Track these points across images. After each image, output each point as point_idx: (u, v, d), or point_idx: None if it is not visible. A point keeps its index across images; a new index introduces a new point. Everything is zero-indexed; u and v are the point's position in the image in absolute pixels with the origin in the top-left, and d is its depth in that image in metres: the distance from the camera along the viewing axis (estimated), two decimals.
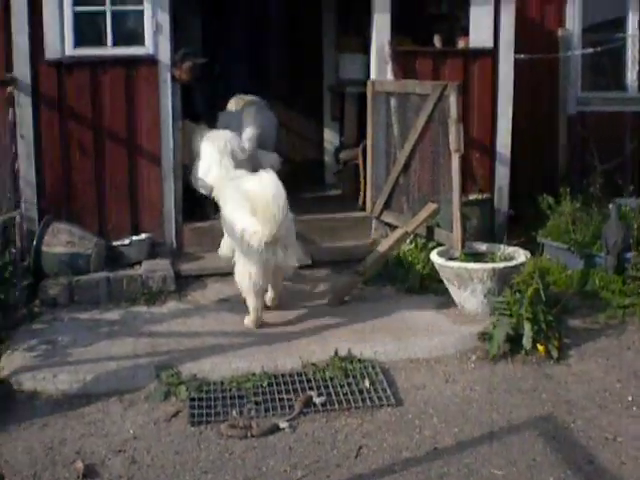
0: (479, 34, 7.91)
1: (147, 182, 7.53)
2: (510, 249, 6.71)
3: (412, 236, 7.19)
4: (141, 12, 7.35)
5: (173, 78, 7.52)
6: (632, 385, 5.36)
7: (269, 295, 6.50)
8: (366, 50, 8.31)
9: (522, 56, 8.18)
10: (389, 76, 7.73)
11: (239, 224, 6.04)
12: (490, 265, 6.34)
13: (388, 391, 5.24)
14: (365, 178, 8.20)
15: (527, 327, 5.75)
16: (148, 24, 7.34)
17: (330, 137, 10.13)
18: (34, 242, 6.91)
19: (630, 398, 5.17)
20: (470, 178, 7.91)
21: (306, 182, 7.69)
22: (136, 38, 7.44)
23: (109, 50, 7.40)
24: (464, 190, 7.19)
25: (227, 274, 7.20)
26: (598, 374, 5.55)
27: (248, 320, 6.24)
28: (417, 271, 6.98)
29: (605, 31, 9.40)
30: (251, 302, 6.20)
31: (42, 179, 7.33)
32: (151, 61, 7.40)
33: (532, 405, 5.11)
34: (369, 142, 7.90)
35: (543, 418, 4.94)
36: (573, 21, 9.06)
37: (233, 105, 8.88)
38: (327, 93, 10.25)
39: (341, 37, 9.86)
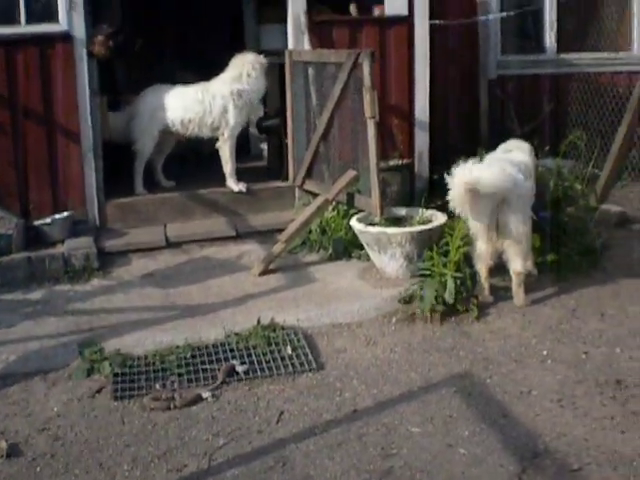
0: (394, 2, 7.95)
1: (67, 160, 7.46)
2: (428, 212, 6.84)
3: (334, 203, 7.26)
4: None
5: (90, 54, 7.47)
6: (547, 339, 5.51)
7: None
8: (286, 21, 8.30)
9: (438, 22, 8.26)
10: (306, 46, 7.76)
11: None
12: (408, 229, 6.46)
13: (310, 356, 5.33)
14: (287, 148, 8.23)
15: (449, 287, 5.86)
16: (62, 0, 7.25)
17: None
18: None
19: (545, 352, 5.32)
20: (390, 144, 8.00)
21: None
22: (50, 15, 7.33)
23: (22, 28, 7.28)
24: (385, 156, 7.30)
25: (151, 249, 7.26)
26: (515, 330, 5.69)
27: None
28: (339, 238, 7.07)
29: None
30: None
31: None
32: (66, 38, 7.31)
33: (450, 363, 5.23)
34: (289, 112, 7.92)
35: (460, 375, 5.06)
36: None
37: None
38: None
39: (261, 8, 9.83)
